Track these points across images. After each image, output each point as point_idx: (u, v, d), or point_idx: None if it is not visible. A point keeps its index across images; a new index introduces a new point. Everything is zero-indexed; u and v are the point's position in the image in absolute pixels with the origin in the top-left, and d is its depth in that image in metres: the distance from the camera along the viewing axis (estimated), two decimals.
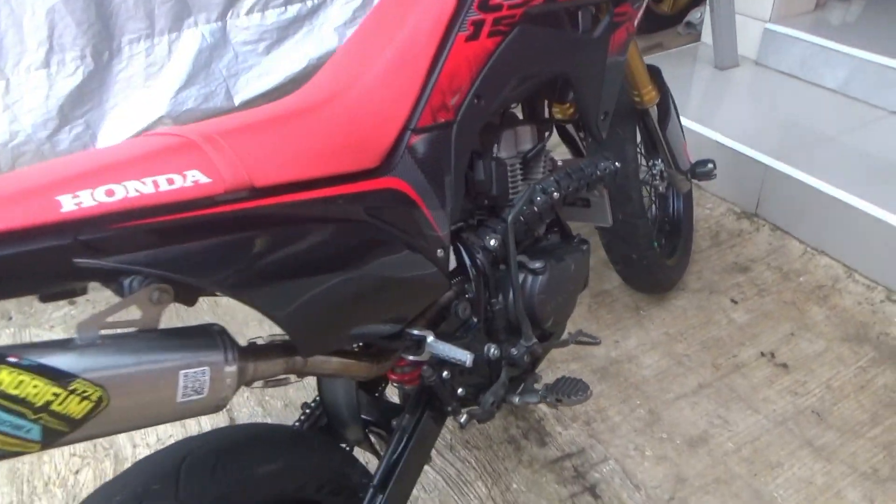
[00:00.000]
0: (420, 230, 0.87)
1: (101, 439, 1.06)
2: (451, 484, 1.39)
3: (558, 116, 1.37)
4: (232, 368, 0.68)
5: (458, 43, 0.89)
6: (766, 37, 2.66)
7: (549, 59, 1.02)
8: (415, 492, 1.36)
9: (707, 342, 1.68)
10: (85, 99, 1.94)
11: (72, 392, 0.55)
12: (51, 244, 0.53)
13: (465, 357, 0.87)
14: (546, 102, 1.20)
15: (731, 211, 2.17)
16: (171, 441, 1.27)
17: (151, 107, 2.03)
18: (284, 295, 0.69)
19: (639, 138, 1.69)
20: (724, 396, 1.53)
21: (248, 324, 1.70)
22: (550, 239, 1.20)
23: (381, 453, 1.00)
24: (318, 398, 1.06)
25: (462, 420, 1.03)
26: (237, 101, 2.16)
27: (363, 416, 1.04)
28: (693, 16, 3.17)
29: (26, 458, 1.50)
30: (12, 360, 0.52)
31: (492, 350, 1.03)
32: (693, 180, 1.71)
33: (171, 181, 0.62)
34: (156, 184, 0.61)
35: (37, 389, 0.53)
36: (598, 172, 1.16)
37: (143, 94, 2.02)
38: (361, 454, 1.09)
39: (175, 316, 1.66)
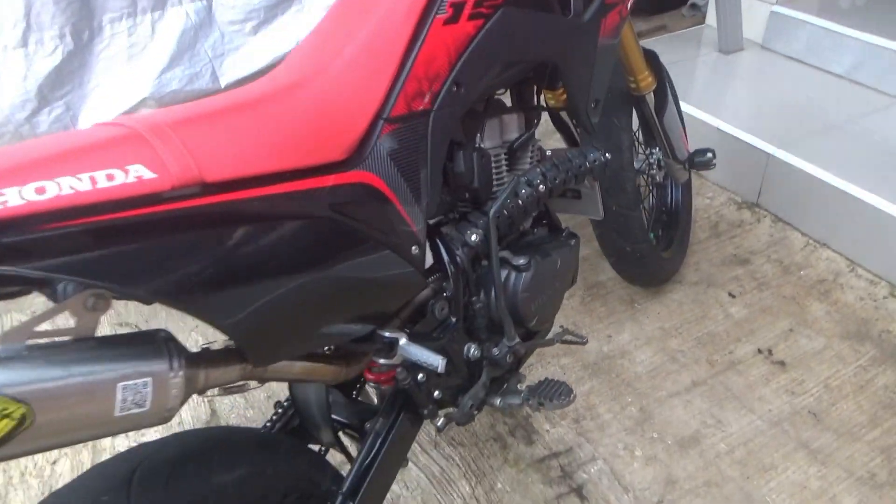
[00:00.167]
0: (392, 226, 0.82)
1: None
2: (434, 482, 1.35)
3: (551, 103, 1.31)
4: (178, 378, 0.63)
5: (436, 26, 0.83)
6: (773, 20, 2.58)
7: (534, 44, 0.96)
8: (397, 489, 1.33)
9: (703, 338, 1.63)
10: (65, 80, 1.88)
11: None
12: None
13: (437, 362, 0.82)
14: (535, 88, 1.14)
15: (732, 200, 2.11)
16: (153, 432, 1.23)
17: (134, 88, 1.96)
18: (234, 302, 0.64)
19: (636, 125, 1.63)
20: (719, 395, 1.48)
21: None
22: (537, 233, 1.15)
23: (354, 457, 0.96)
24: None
25: (439, 424, 0.99)
26: (223, 82, 2.09)
27: (336, 418, 1.00)
28: None
29: None
30: None
31: (472, 350, 0.98)
32: (692, 170, 1.65)
33: (111, 177, 0.57)
34: (93, 180, 0.56)
35: None
36: (588, 164, 1.10)
37: (126, 75, 1.95)
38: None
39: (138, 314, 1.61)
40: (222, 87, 2.09)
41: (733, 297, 1.75)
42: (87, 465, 1.39)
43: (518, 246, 1.08)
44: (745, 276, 1.81)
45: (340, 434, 1.02)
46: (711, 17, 2.78)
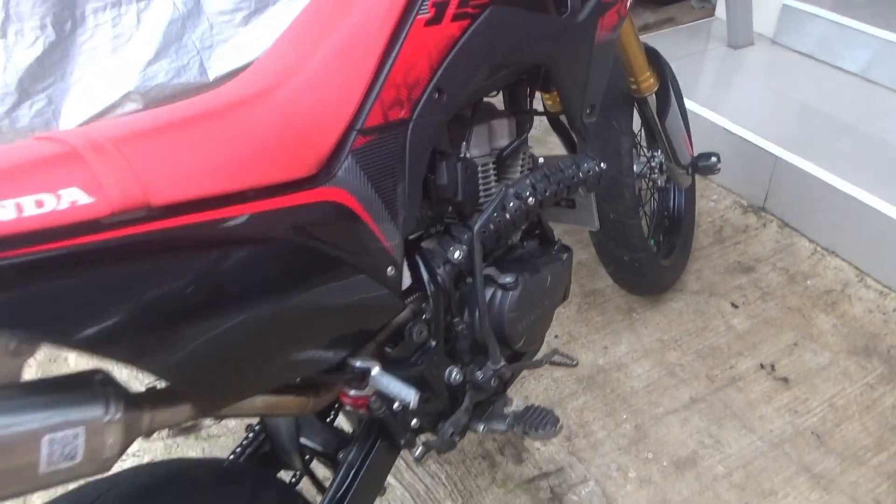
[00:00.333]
0: (364, 247, 0.75)
1: None
2: (419, 501, 1.29)
3: (548, 104, 1.24)
4: (115, 425, 0.57)
5: (417, 28, 0.76)
6: (784, 13, 2.49)
7: (524, 46, 0.88)
8: None
9: (703, 351, 1.57)
10: (46, 72, 1.81)
11: None
12: None
13: (409, 398, 0.75)
14: (529, 91, 1.07)
15: (738, 204, 2.03)
16: (142, 453, 1.17)
17: (119, 81, 1.89)
18: (179, 343, 0.58)
19: (638, 126, 1.56)
20: (718, 413, 1.42)
21: None
22: (527, 246, 1.08)
23: (327, 487, 0.90)
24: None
25: (416, 454, 0.93)
26: (212, 75, 2.02)
27: (308, 444, 0.94)
28: None
29: None
30: None
31: (454, 374, 0.92)
32: (695, 175, 1.58)
33: (39, 203, 0.51)
34: (19, 207, 0.50)
35: None
36: (581, 175, 1.03)
37: (110, 67, 1.88)
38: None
39: None
40: (210, 80, 2.02)
41: (736, 307, 1.68)
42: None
43: (505, 262, 1.01)
44: (749, 284, 1.74)
45: (315, 460, 0.96)
46: (721, 10, 2.69)
